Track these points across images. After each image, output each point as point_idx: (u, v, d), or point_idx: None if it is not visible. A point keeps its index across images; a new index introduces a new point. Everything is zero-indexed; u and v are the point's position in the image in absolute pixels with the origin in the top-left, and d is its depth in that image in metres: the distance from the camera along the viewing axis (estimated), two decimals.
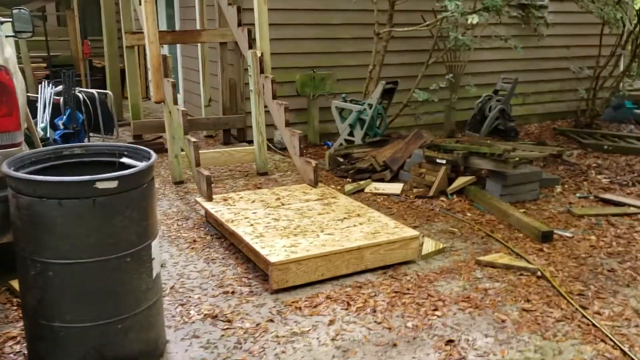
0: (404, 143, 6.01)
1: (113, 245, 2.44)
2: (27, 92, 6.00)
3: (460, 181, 5.36)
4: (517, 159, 5.23)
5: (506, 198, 5.12)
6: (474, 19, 5.20)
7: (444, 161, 5.38)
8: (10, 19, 6.07)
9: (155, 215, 2.70)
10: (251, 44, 5.77)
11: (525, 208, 5.04)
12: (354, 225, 4.00)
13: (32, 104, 6.81)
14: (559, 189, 5.63)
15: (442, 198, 5.27)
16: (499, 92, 7.81)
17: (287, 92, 7.07)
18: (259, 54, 5.56)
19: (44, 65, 10.03)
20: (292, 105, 7.05)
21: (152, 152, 2.70)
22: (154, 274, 2.66)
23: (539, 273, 3.74)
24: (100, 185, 2.35)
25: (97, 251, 2.42)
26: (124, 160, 2.81)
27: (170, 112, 5.35)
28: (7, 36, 6.15)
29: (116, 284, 2.50)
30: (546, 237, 4.29)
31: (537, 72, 8.75)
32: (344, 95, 6.74)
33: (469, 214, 4.91)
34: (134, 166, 2.69)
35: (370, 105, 6.34)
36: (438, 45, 7.17)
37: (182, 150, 5.36)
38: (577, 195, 5.44)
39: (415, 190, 5.42)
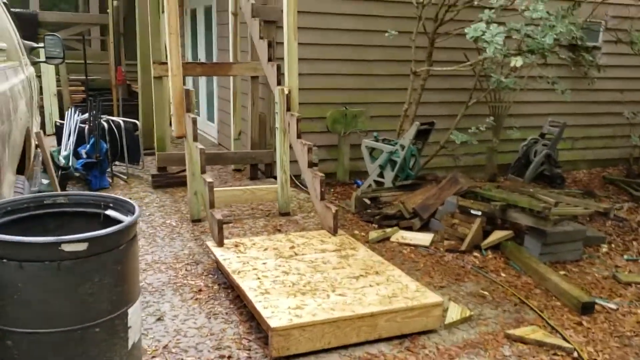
0: (437, 188, 5.62)
1: (80, 314, 2.17)
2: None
3: (496, 236, 4.93)
4: (558, 216, 4.77)
5: (546, 257, 4.66)
6: (517, 61, 4.82)
7: (479, 213, 4.96)
8: (42, 45, 6.07)
9: (136, 277, 2.42)
10: (280, 79, 5.54)
11: (565, 270, 4.57)
12: (370, 285, 3.63)
13: (59, 130, 6.76)
14: (604, 248, 5.13)
15: (476, 253, 4.85)
16: (545, 135, 7.36)
17: (318, 128, 6.81)
18: (286, 91, 5.31)
19: (82, 88, 10.10)
20: (322, 142, 6.83)
21: (136, 206, 2.43)
22: (130, 344, 2.37)
23: (575, 354, 3.29)
24: (66, 247, 2.09)
25: (61, 320, 2.15)
26: (109, 212, 2.55)
27: (190, 147, 5.13)
28: (36, 62, 6.15)
29: (83, 357, 2.21)
30: (587, 308, 3.83)
31: (588, 115, 8.24)
32: (375, 134, 6.42)
33: (503, 274, 4.47)
34: (119, 220, 2.44)
35: (402, 146, 5.99)
36: (480, 85, 6.79)
37: None
38: (625, 257, 4.93)
39: (446, 242, 5.01)
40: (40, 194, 2.62)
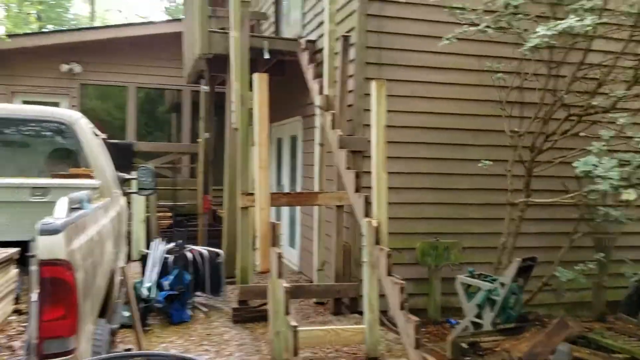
0: (544, 334, 5.00)
1: None
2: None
3: None
4: None
5: None
6: (630, 194, 4.34)
7: None
8: (135, 176, 6.23)
9: None
10: (368, 211, 5.31)
11: None
12: None
13: (144, 259, 6.75)
14: None
15: None
16: None
17: (407, 259, 6.43)
18: (374, 224, 5.05)
19: (169, 214, 10.33)
20: (411, 275, 6.39)
21: None
22: None
23: None
24: None
25: None
26: None
27: (273, 285, 4.87)
28: (129, 193, 6.28)
29: None
30: None
31: None
32: (471, 268, 5.94)
33: None
34: None
35: (502, 284, 5.46)
36: (583, 215, 6.26)
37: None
38: None
39: None
40: (118, 353, 2.38)
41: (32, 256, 2.29)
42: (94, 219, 3.11)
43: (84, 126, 4.25)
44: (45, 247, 2.20)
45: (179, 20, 13.00)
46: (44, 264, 2.22)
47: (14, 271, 3.03)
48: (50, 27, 28.70)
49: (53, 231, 2.22)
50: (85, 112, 11.69)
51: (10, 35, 11.52)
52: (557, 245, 6.21)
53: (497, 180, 6.41)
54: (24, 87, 11.77)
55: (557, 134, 5.89)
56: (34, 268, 2.23)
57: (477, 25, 5.63)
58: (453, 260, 6.38)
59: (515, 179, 6.14)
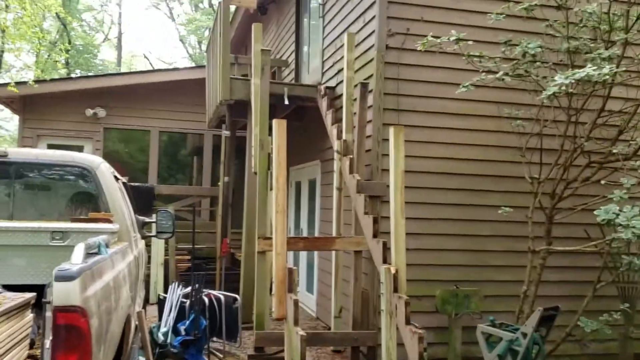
0: None
1: None
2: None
3: None
4: None
5: None
6: None
7: None
8: (154, 220, 6.27)
9: None
10: (386, 257, 5.25)
11: None
12: None
13: (162, 303, 6.72)
14: None
15: None
16: None
17: (426, 307, 6.30)
18: (393, 270, 4.98)
19: (188, 257, 10.34)
20: (430, 323, 6.26)
21: None
22: None
23: None
24: None
25: None
26: None
27: (289, 332, 4.81)
28: (147, 236, 6.32)
29: None
30: None
31: None
32: (491, 317, 5.81)
33: None
34: None
35: (524, 334, 5.32)
36: (606, 263, 6.12)
37: None
38: None
39: None
40: None
41: (48, 302, 2.30)
42: (110, 264, 3.12)
43: (104, 171, 4.32)
44: (60, 294, 2.21)
45: (201, 67, 13.31)
46: (59, 310, 2.22)
47: (29, 316, 3.03)
48: (78, 72, 29.61)
49: (69, 277, 2.24)
50: (109, 154, 12.01)
51: (37, 81, 11.87)
52: (581, 294, 6.05)
53: (519, 227, 6.33)
54: (50, 131, 12.06)
55: (578, 181, 5.82)
56: (48, 314, 2.24)
57: (495, 72, 5.67)
58: (474, 309, 6.24)
59: (536, 226, 6.04)
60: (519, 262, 6.29)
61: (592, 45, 5.78)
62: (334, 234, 7.01)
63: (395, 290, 4.97)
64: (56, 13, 11.85)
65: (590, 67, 4.49)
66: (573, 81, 4.57)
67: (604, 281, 5.87)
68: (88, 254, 2.65)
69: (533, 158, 6.20)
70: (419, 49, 5.95)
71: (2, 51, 22.68)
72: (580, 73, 4.47)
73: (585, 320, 5.51)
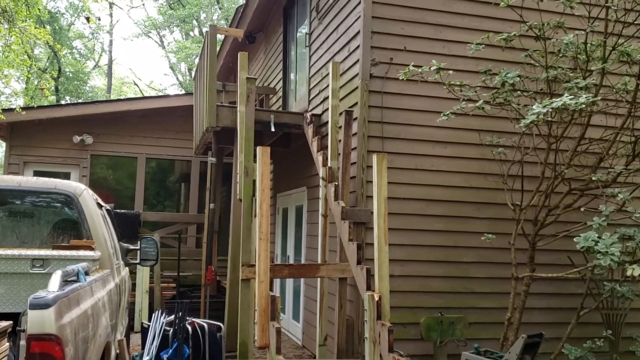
0: None
1: None
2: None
3: None
4: None
5: None
6: (634, 270, 4.28)
7: None
8: (139, 247, 6.24)
9: None
10: (370, 284, 5.25)
11: None
12: None
13: (145, 331, 6.66)
14: None
15: None
16: None
17: (411, 335, 6.28)
18: (376, 297, 4.97)
19: (173, 285, 10.25)
20: (415, 351, 6.24)
21: None
22: None
23: None
24: None
25: None
26: None
27: None
28: (131, 264, 6.28)
29: None
30: None
31: None
32: (476, 345, 5.80)
33: None
34: None
35: None
36: (590, 290, 6.15)
37: None
38: None
39: None
40: None
41: (22, 330, 2.28)
42: (89, 292, 3.11)
43: (87, 198, 4.32)
44: (35, 322, 2.20)
45: (189, 94, 13.39)
46: (33, 338, 2.21)
47: (5, 345, 3.00)
48: (68, 99, 29.65)
49: (44, 305, 2.23)
50: (96, 181, 11.95)
51: (24, 108, 11.88)
52: (565, 321, 6.07)
53: (502, 253, 6.37)
54: (36, 158, 12.02)
55: (560, 208, 5.89)
56: (22, 343, 2.22)
57: (476, 101, 5.77)
58: (459, 336, 6.23)
59: (520, 253, 6.09)
60: (503, 288, 6.31)
61: (572, 74, 5.90)
62: (319, 261, 7.00)
63: (379, 317, 4.96)
64: (46, 41, 11.92)
65: (567, 97, 4.58)
66: (550, 110, 4.65)
67: (587, 308, 5.89)
68: (66, 282, 2.64)
69: (515, 185, 6.28)
70: (400, 78, 6.05)
71: None
72: (558, 102, 4.56)
73: (570, 347, 5.51)
